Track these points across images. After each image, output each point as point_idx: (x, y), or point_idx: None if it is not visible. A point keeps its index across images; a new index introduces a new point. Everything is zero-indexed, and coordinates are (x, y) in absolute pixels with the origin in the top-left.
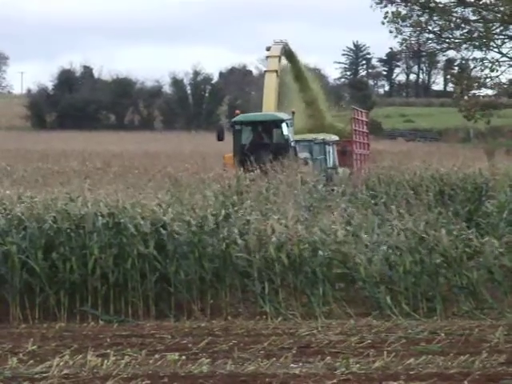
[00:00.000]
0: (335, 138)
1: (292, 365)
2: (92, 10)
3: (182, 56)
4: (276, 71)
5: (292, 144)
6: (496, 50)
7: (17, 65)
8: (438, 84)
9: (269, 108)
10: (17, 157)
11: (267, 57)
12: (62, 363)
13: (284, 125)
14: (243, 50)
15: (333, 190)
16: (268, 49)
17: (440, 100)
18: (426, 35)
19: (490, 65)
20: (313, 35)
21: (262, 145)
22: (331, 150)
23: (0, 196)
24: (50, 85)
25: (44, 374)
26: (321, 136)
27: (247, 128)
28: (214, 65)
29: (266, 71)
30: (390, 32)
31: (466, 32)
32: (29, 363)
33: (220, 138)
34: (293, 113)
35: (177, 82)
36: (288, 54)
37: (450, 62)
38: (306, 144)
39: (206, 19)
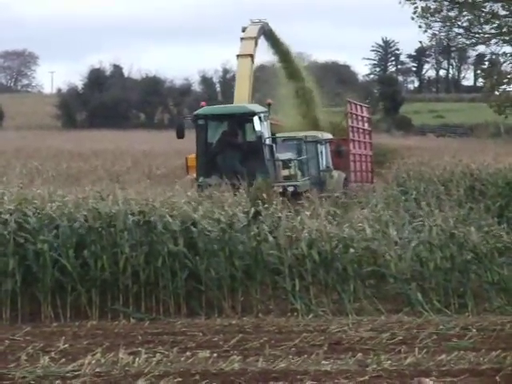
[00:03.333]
0: (328, 135)
1: (323, 361)
2: (118, 10)
3: (209, 55)
4: (251, 55)
5: (267, 142)
6: None
7: (47, 64)
8: (468, 79)
9: (242, 99)
10: (47, 156)
11: (241, 39)
12: (93, 361)
13: (256, 119)
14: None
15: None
16: (243, 30)
17: (470, 95)
18: (456, 30)
19: None
20: (341, 33)
21: (229, 144)
22: (324, 150)
23: (31, 195)
24: (79, 84)
25: (76, 373)
26: (312, 134)
27: (212, 123)
28: None
29: (238, 55)
30: (420, 27)
31: (496, 27)
32: (60, 361)
33: (179, 135)
34: (268, 105)
35: (206, 80)
36: (268, 35)
37: (479, 57)
38: (294, 143)
39: (233, 18)
